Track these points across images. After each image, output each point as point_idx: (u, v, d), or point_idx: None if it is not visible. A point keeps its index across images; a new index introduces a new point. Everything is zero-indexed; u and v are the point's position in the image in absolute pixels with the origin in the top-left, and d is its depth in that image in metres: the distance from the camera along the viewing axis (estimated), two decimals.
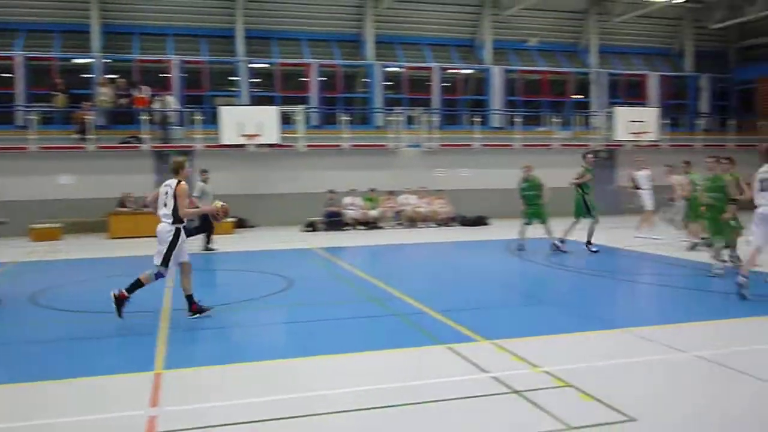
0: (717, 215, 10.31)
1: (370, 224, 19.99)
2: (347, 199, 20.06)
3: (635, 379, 5.71)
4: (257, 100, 22.09)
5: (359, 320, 8.24)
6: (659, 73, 26.31)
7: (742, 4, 24.78)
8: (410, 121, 22.47)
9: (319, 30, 23.72)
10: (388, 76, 23.90)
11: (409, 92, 23.76)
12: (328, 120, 22.71)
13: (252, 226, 20.43)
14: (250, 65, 22.36)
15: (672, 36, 27.69)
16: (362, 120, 23.63)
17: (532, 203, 13.99)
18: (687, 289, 9.87)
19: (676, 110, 26.47)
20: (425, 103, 23.36)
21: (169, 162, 8.41)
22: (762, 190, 9.03)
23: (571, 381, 5.45)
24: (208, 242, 15.00)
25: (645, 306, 9.32)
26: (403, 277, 11.62)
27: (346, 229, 19.56)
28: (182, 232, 8.02)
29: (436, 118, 22.58)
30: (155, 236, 8.07)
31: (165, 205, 7.98)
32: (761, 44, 26.98)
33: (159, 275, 7.98)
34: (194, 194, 14.33)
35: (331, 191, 19.95)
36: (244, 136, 19.60)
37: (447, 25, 24.94)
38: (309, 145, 20.90)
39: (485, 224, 20.74)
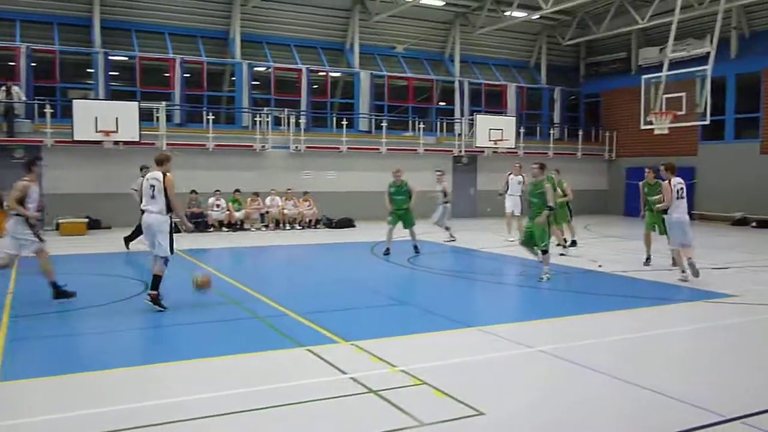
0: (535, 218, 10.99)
1: (234, 226, 19.58)
2: (211, 200, 19.52)
3: (485, 374, 5.99)
4: (115, 95, 21.03)
5: (219, 324, 8.05)
6: (517, 84, 27.77)
7: (590, 24, 26.78)
8: (277, 122, 22.29)
9: (184, 25, 22.92)
10: (256, 76, 23.55)
11: (277, 93, 23.52)
12: (193, 118, 22.01)
13: (108, 227, 19.37)
14: (109, 57, 21.19)
15: (529, 50, 29.33)
16: (228, 119, 23.12)
17: (399, 207, 14.22)
18: (537, 289, 10.45)
19: (532, 120, 28.06)
20: (293, 105, 23.22)
21: (155, 155, 8.93)
22: (678, 198, 10.53)
23: (426, 379, 5.61)
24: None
25: (498, 305, 9.77)
26: (266, 280, 11.49)
27: (210, 231, 19.04)
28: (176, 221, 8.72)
29: (303, 120, 22.52)
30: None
31: (153, 197, 8.41)
32: (605, 61, 29.23)
33: (166, 261, 8.54)
34: (133, 187, 14.08)
35: (193, 191, 19.32)
36: (99, 132, 18.56)
37: (316, 28, 24.95)
38: (170, 144, 20.12)
39: (352, 226, 20.93)
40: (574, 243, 15.15)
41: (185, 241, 16.45)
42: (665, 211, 10.87)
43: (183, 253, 14.33)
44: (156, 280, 8.45)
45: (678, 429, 4.63)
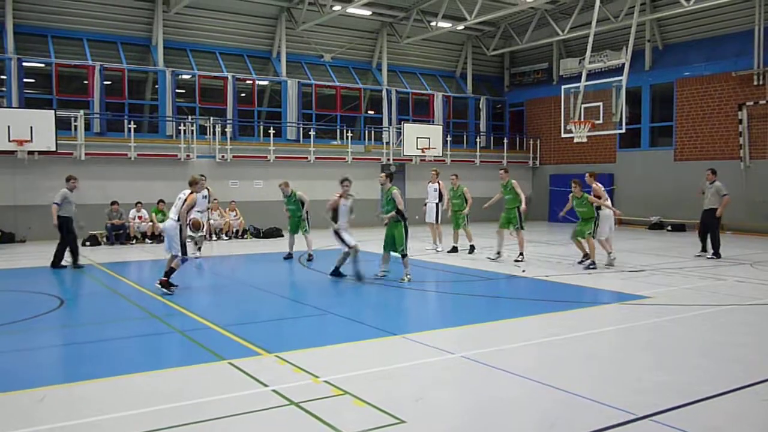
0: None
1: (159, 237, 19.05)
2: (132, 212, 18.94)
3: (407, 382, 6.01)
4: (30, 103, 20.18)
5: (139, 339, 7.81)
6: (443, 93, 28.19)
7: (513, 35, 27.50)
8: (203, 130, 21.89)
9: (104, 31, 22.22)
10: (180, 84, 23.06)
11: (202, 101, 23.08)
12: (113, 127, 21.35)
13: (22, 241, 18.56)
14: (23, 63, 20.28)
15: (455, 60, 29.85)
16: (151, 128, 22.54)
17: (294, 216, 14.71)
18: (461, 295, 10.59)
19: (459, 128, 28.53)
20: (219, 113, 22.86)
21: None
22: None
23: (348, 389, 5.60)
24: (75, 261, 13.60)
25: (422, 312, 9.86)
26: (189, 293, 11.20)
27: (132, 243, 18.49)
28: (183, 228, 10.38)
29: (229, 129, 22.19)
30: None
31: (175, 206, 10.48)
32: (528, 71, 30.05)
33: (184, 260, 10.60)
34: (56, 201, 13.20)
35: (114, 203, 18.68)
36: (12, 141, 17.79)
37: (242, 36, 24.66)
38: (89, 153, 19.47)
39: (279, 236, 20.72)
40: (472, 248, 15.78)
41: (105, 255, 16.01)
42: (598, 208, 12.89)
43: (102, 267, 13.90)
44: (169, 271, 10.41)
45: (591, 429, 4.77)
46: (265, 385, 5.76)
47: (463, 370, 6.40)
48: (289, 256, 14.88)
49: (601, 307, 9.65)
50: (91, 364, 6.65)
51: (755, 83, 21.50)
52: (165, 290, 10.25)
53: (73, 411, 5.24)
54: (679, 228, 22.58)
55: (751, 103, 21.55)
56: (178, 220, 10.34)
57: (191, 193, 10.46)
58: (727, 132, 22.32)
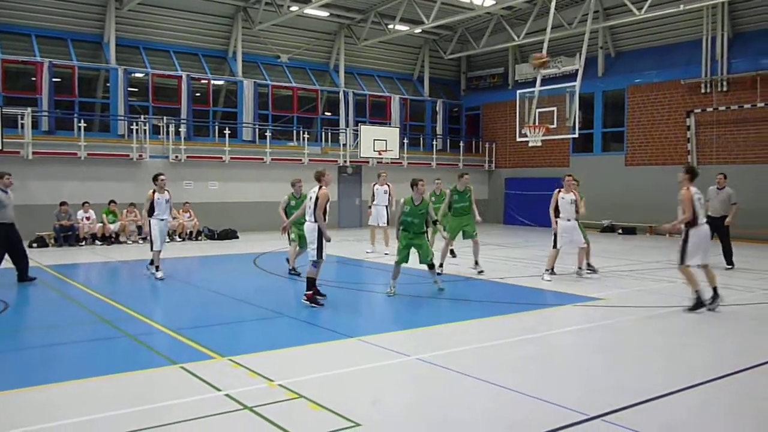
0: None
1: (109, 239, 18.61)
2: (80, 213, 18.43)
3: (363, 384, 5.97)
4: None
5: (87, 344, 7.59)
6: (401, 95, 28.26)
7: (470, 40, 27.75)
8: (156, 130, 21.48)
9: (54, 27, 21.60)
10: (133, 82, 22.57)
11: (156, 100, 22.63)
12: (63, 125, 20.77)
13: None
14: None
15: (412, 63, 29.96)
16: (102, 127, 22.01)
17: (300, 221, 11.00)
18: (419, 298, 10.59)
19: (416, 131, 28.63)
20: (173, 113, 22.45)
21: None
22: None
23: (303, 392, 5.53)
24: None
25: (381, 315, 9.82)
26: (139, 296, 10.96)
27: (82, 245, 18.00)
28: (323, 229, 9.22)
29: (184, 129, 21.81)
30: None
31: (309, 207, 9.32)
32: (484, 75, 30.35)
33: (315, 264, 9.41)
34: None
35: (63, 203, 18.15)
36: None
37: (197, 34, 24.27)
38: (37, 152, 18.90)
39: (235, 238, 20.46)
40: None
41: (52, 257, 15.60)
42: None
43: (50, 269, 13.49)
44: (309, 282, 9.41)
45: (545, 429, 4.79)
46: (219, 390, 5.64)
47: (419, 372, 6.38)
48: (295, 271, 12.67)
49: (556, 308, 9.76)
50: (38, 370, 6.42)
51: (702, 91, 22.12)
52: (314, 305, 9.37)
53: (20, 418, 5.05)
54: (629, 231, 23.09)
55: (699, 110, 22.17)
56: (316, 221, 9.25)
57: (320, 188, 9.27)
58: (675, 138, 22.91)
